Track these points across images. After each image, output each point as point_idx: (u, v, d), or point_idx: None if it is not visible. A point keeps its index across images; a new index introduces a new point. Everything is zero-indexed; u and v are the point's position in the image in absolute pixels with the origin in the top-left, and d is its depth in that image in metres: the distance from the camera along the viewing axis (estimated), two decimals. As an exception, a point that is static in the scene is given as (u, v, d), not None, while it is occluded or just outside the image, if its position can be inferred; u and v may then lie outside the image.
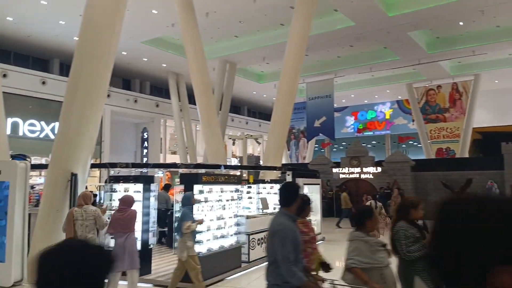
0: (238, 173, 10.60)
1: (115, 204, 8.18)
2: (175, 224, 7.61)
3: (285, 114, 14.09)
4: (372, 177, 19.16)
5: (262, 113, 37.93)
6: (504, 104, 30.41)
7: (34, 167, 9.03)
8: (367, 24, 20.03)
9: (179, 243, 6.63)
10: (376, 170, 19.23)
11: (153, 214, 8.25)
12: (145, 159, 26.66)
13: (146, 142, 27.37)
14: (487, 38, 23.04)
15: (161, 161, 26.06)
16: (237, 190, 8.79)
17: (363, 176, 19.35)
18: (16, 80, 19.40)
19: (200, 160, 24.80)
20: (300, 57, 14.65)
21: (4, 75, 18.89)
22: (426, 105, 29.55)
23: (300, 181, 11.57)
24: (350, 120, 36.03)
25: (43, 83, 20.93)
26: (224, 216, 8.34)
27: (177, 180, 11.77)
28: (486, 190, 16.88)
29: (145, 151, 27.15)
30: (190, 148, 25.58)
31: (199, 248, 7.60)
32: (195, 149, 26.06)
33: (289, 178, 11.23)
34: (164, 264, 9.22)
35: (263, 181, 11.62)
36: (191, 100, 30.51)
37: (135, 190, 8.13)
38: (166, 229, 11.05)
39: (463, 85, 28.41)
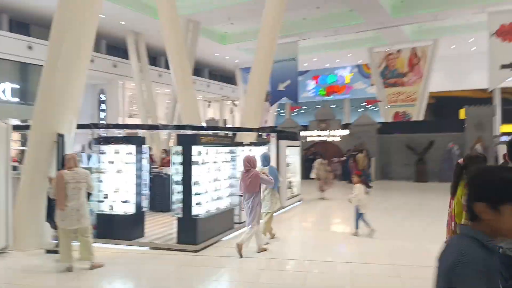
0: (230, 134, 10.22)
1: (104, 166, 7.67)
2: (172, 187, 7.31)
3: (264, 75, 13.73)
4: (340, 139, 19.49)
5: (223, 76, 37.14)
6: (460, 69, 31.70)
7: (16, 128, 8.20)
8: (337, -17, 19.70)
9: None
10: (344, 132, 19.56)
11: (146, 177, 7.83)
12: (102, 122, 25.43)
13: (103, 105, 26.04)
14: (449, 3, 23.58)
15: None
16: (231, 152, 8.53)
17: (330, 139, 19.63)
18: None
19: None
20: (280, 14, 14.18)
21: None
22: (385, 70, 30.18)
23: (283, 143, 11.47)
24: (311, 84, 36.18)
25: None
26: (220, 178, 8.10)
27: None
28: (446, 151, 17.74)
29: (102, 114, 25.86)
30: (152, 111, 24.65)
31: (199, 210, 7.36)
32: (156, 112, 25.14)
33: (273, 141, 11.09)
34: (156, 227, 8.93)
35: (242, 144, 11.37)
36: (152, 61, 29.25)
37: (127, 151, 7.62)
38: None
39: (422, 50, 29.19)
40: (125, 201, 7.60)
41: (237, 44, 29.96)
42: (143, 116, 25.09)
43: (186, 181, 7.21)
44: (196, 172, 7.29)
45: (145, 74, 25.29)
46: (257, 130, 10.34)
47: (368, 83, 34.33)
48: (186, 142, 7.31)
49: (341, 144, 18.82)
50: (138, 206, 7.64)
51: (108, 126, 7.83)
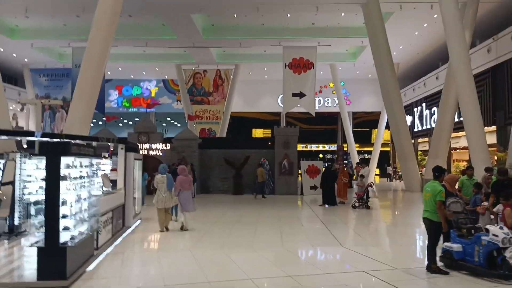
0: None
1: None
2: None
3: (96, 79, 12.35)
4: (161, 153, 19.05)
5: (6, 75, 31.24)
6: (253, 93, 35.50)
7: None
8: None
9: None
10: (166, 146, 19.21)
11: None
12: None
13: None
14: (252, 34, 26.34)
15: None
16: (92, 164, 7.24)
17: (151, 152, 18.97)
18: None
19: None
20: (115, 15, 13.04)
21: None
22: (193, 87, 31.27)
23: (130, 155, 10.50)
24: (114, 94, 34.25)
25: None
26: (83, 196, 6.78)
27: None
28: (259, 165, 19.58)
29: None
30: None
31: (65, 237, 5.98)
32: None
33: (121, 153, 9.94)
34: None
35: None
36: None
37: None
38: None
39: (225, 73, 31.55)
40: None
41: (30, 40, 25.84)
42: None
43: (51, 201, 5.79)
44: (64, 189, 5.94)
45: None
46: (106, 139, 9.06)
47: (174, 99, 34.81)
48: (52, 151, 5.88)
49: (163, 158, 18.40)
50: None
51: None
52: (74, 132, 11.58)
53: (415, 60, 30.26)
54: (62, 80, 29.29)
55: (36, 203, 5.74)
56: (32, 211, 5.80)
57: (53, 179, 5.86)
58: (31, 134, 6.74)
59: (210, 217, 12.66)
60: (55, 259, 5.80)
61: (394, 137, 22.17)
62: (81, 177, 6.67)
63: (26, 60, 28.95)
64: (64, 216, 6.00)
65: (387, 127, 28.76)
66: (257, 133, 38.89)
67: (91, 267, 6.80)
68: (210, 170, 19.97)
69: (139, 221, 11.52)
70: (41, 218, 5.85)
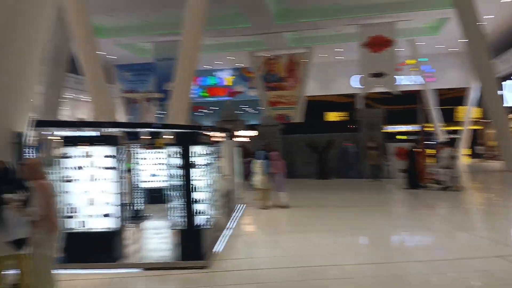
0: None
1: (71, 173, 6.02)
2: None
3: (191, 70, 12.86)
4: (249, 140, 19.51)
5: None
6: (326, 76, 34.91)
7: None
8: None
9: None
10: (250, 133, 19.63)
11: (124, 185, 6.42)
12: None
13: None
14: (326, 14, 25.73)
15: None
16: (212, 152, 7.58)
17: (239, 140, 19.47)
18: None
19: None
20: (204, 8, 13.42)
21: None
22: (267, 74, 31.41)
23: (231, 143, 10.86)
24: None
25: None
26: (210, 181, 7.14)
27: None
28: (343, 149, 19.29)
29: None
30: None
31: (199, 220, 6.34)
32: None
33: (227, 140, 10.35)
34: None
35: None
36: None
37: (105, 154, 6.09)
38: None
39: (299, 57, 31.26)
40: (105, 215, 6.09)
41: (114, 38, 27.46)
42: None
43: (187, 187, 6.16)
44: (196, 176, 6.28)
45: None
46: (220, 129, 9.48)
47: (248, 86, 35.26)
48: (185, 141, 6.23)
49: (249, 145, 18.81)
50: (119, 220, 6.22)
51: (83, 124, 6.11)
52: (175, 121, 12.16)
53: (503, 30, 27.88)
54: (145, 74, 30.83)
55: (168, 189, 6.14)
56: (166, 197, 6.20)
57: (188, 166, 6.22)
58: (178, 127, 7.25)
59: (309, 200, 12.88)
60: (193, 240, 6.18)
61: (490, 115, 20.64)
62: (206, 164, 7.00)
63: (112, 57, 30.81)
64: (197, 201, 6.36)
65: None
66: (330, 116, 38.23)
67: (218, 248, 7.16)
68: (293, 155, 19.96)
69: (242, 205, 11.91)
70: (176, 203, 6.24)
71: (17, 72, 5.39)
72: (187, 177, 6.18)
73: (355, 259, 6.55)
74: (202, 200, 6.49)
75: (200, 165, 6.61)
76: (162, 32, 26.64)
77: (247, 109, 38.35)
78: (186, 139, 6.30)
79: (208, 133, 7.67)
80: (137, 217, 9.20)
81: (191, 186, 6.19)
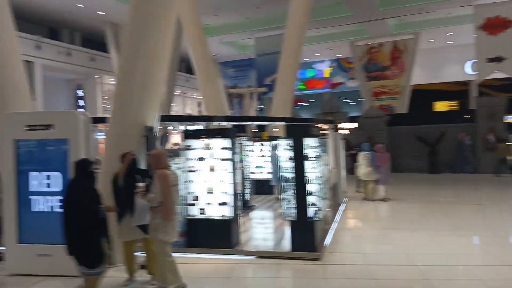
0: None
1: (193, 164, 6.49)
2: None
3: (295, 64, 12.91)
4: (348, 132, 19.01)
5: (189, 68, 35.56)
6: (437, 62, 32.49)
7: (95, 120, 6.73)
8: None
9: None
10: (352, 125, 19.12)
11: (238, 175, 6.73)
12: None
13: (81, 101, 23.95)
14: (435, -4, 23.84)
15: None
16: (321, 145, 7.58)
17: (340, 132, 19.10)
18: None
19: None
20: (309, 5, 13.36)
21: None
22: (368, 63, 30.26)
23: (336, 136, 10.71)
24: (290, 79, 35.67)
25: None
26: (321, 174, 7.15)
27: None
28: (458, 141, 17.75)
29: (80, 110, 23.74)
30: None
31: (311, 212, 6.38)
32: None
33: (332, 133, 10.27)
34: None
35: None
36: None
37: (222, 146, 6.46)
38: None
39: (403, 44, 29.53)
40: (222, 203, 6.45)
41: (218, 36, 28.72)
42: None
43: (299, 179, 6.22)
44: (307, 168, 6.31)
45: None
46: (327, 121, 9.48)
47: (347, 77, 34.38)
48: (299, 133, 6.30)
49: (348, 137, 18.32)
50: (235, 208, 6.52)
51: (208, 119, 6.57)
52: (279, 114, 12.34)
53: None
54: (246, 70, 31.79)
55: (280, 180, 6.26)
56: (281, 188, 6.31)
57: (301, 158, 6.28)
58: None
59: (421, 197, 12.21)
60: (306, 232, 6.23)
61: None
62: (317, 156, 7.00)
63: (215, 55, 32.32)
64: (310, 193, 6.39)
65: None
66: (440, 106, 35.46)
67: (327, 241, 7.14)
68: (400, 148, 18.98)
69: (346, 198, 11.72)
70: (289, 194, 6.33)
71: (149, 72, 5.93)
72: (301, 169, 6.24)
73: (482, 259, 6.04)
74: (314, 193, 6.51)
75: (311, 157, 6.63)
76: (263, 28, 27.15)
77: (345, 100, 37.42)
78: (299, 131, 6.35)
79: (319, 126, 7.63)
80: (246, 207, 9.56)
81: (305, 178, 6.24)
